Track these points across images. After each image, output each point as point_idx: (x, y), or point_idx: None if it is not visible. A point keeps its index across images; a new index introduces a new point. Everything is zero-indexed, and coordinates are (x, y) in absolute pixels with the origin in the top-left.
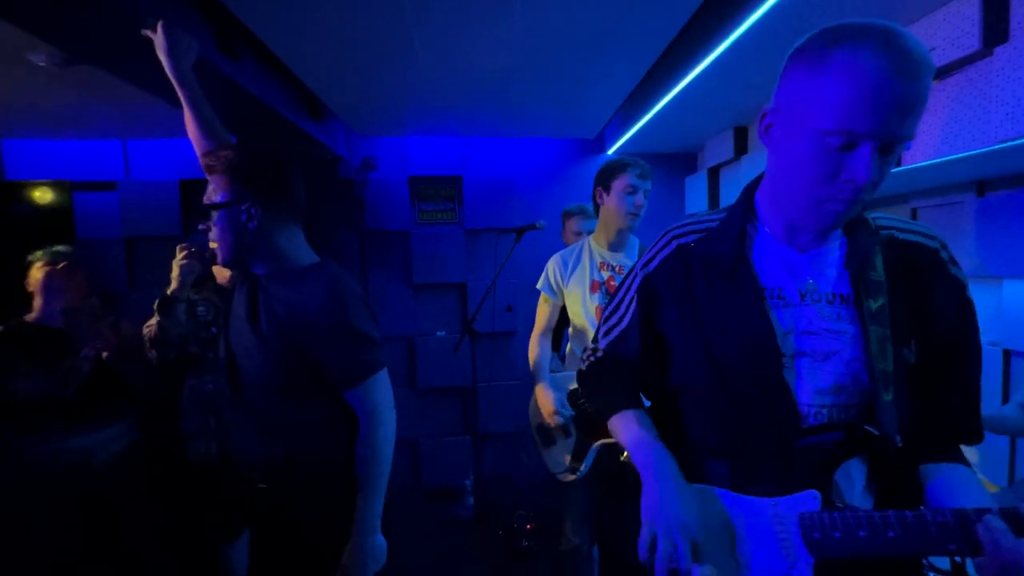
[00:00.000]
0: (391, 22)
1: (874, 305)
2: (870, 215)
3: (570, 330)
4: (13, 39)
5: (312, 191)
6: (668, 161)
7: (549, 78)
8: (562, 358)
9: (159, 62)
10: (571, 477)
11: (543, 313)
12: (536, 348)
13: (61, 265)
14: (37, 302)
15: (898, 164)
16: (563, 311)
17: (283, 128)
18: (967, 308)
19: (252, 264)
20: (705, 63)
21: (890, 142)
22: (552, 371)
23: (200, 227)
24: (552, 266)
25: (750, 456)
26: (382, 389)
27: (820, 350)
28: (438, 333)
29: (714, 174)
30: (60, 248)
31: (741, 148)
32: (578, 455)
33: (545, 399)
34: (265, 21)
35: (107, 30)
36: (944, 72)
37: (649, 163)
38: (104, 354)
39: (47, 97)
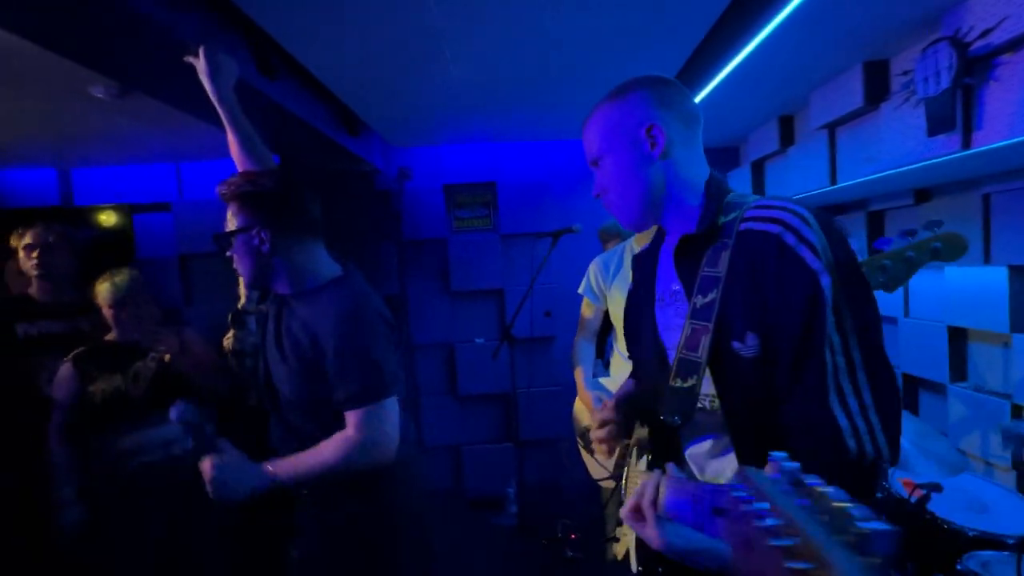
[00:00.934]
0: (422, 35)
1: (701, 301)
2: (750, 205)
3: (614, 334)
4: (75, 74)
5: (350, 204)
6: (708, 156)
7: (581, 79)
8: (606, 364)
9: (203, 87)
10: (614, 484)
11: (586, 317)
12: (577, 348)
13: (125, 293)
14: (112, 325)
15: (967, 147)
16: (605, 316)
17: (322, 144)
18: (813, 298)
19: (274, 284)
20: (743, 54)
21: (591, 165)
22: (596, 376)
23: (227, 255)
24: (594, 270)
25: (649, 427)
26: (375, 421)
27: (676, 343)
28: (477, 340)
29: (758, 168)
30: (123, 275)
31: (787, 139)
32: (622, 461)
33: (584, 395)
34: (301, 41)
35: (154, 60)
36: (1018, 43)
37: None
38: (167, 357)
39: (107, 126)
